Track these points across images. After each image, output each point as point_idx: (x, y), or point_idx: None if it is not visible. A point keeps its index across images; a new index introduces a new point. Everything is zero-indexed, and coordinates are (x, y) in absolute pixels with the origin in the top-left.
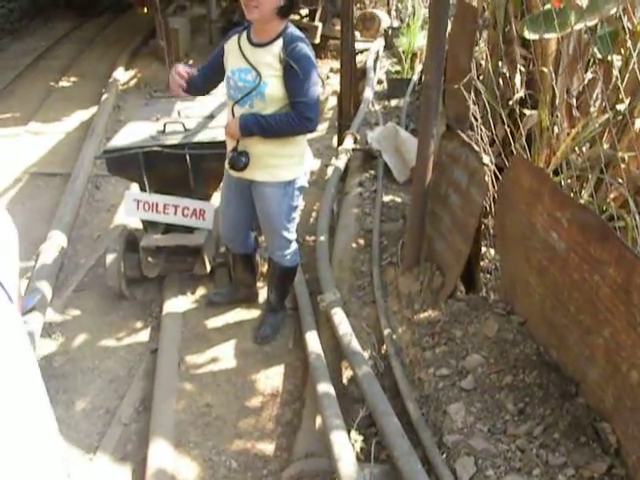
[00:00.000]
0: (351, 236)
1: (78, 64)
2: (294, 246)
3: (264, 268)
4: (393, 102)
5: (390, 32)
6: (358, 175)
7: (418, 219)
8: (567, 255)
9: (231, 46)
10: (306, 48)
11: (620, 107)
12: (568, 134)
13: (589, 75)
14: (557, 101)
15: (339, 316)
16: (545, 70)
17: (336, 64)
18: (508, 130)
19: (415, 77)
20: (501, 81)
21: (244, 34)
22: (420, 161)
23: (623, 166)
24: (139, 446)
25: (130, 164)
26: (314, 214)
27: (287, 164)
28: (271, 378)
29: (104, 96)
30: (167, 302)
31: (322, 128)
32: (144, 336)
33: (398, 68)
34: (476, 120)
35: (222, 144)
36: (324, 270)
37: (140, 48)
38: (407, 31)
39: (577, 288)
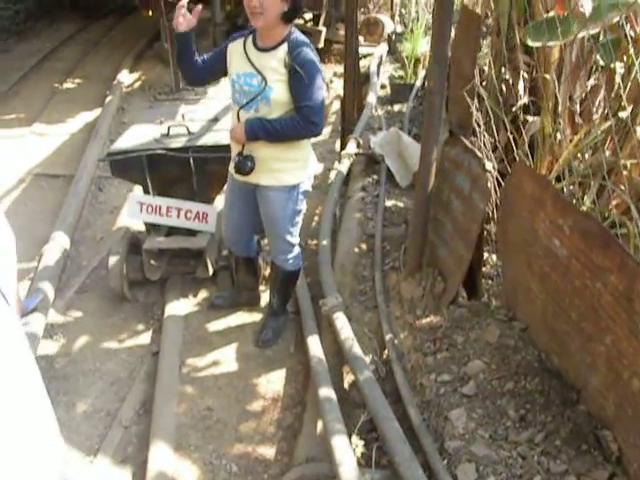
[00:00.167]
0: (353, 240)
1: (83, 66)
2: (297, 250)
3: (266, 272)
4: (396, 107)
5: (394, 37)
6: (361, 179)
7: (420, 225)
8: (569, 262)
9: (236, 49)
10: (311, 53)
11: (622, 114)
12: (571, 141)
13: (592, 82)
14: (560, 108)
15: (341, 321)
16: (548, 77)
17: (340, 68)
18: (511, 136)
19: (418, 82)
20: (504, 87)
21: (250, 38)
22: (423, 167)
23: (625, 173)
24: (140, 449)
25: (134, 167)
26: (316, 218)
27: (292, 168)
28: (272, 382)
29: (108, 98)
30: (169, 305)
31: (325, 132)
32: (145, 338)
33: (401, 73)
34: (479, 126)
35: (226, 147)
36: (326, 274)
37: (145, 51)
38: (410, 36)
39: (579, 295)
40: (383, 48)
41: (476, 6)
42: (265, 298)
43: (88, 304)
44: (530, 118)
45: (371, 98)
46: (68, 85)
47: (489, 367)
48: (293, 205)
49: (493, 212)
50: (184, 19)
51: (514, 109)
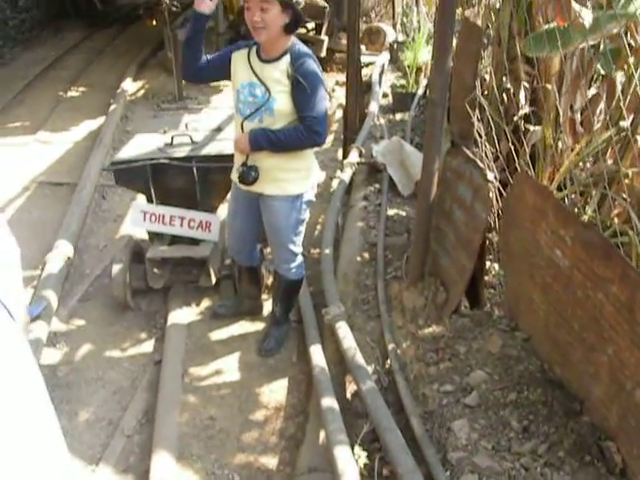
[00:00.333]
0: (356, 249)
1: (87, 74)
2: (300, 259)
3: (269, 281)
4: (398, 116)
5: (395, 46)
6: (363, 188)
7: (423, 234)
8: (571, 273)
9: (241, 60)
10: (313, 64)
11: (623, 123)
12: (572, 150)
13: (592, 91)
14: (561, 117)
15: (343, 330)
16: (549, 87)
17: (342, 77)
18: (512, 146)
19: (420, 91)
20: (505, 97)
21: (254, 49)
22: (425, 177)
23: (626, 182)
24: (142, 458)
25: (138, 176)
26: (319, 227)
27: (295, 178)
28: (275, 391)
29: (112, 106)
30: (172, 313)
31: (327, 140)
32: (148, 347)
33: (403, 82)
34: (480, 136)
35: (229, 157)
36: (329, 283)
37: (148, 59)
38: (412, 45)
39: (581, 306)
40: (385, 57)
41: (477, 17)
42: (268, 307)
43: (91, 312)
44: (531, 128)
45: (373, 107)
46: (72, 93)
47: (492, 377)
48: (296, 214)
49: (495, 221)
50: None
51: (515, 119)
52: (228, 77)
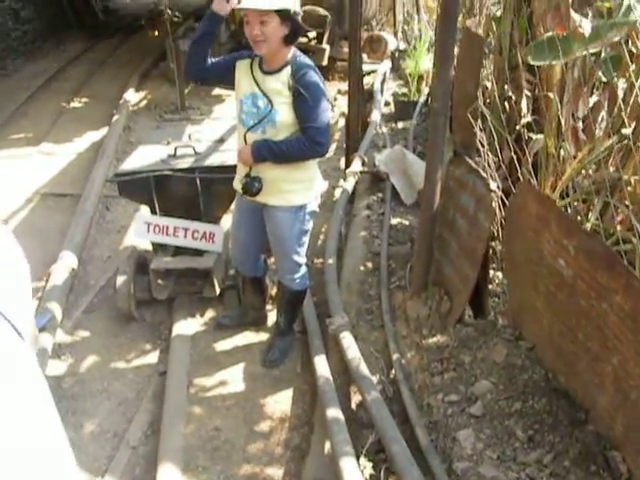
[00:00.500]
0: (359, 259)
1: (89, 85)
2: (304, 270)
3: (273, 291)
4: (400, 124)
5: (397, 54)
6: (366, 198)
7: (426, 244)
8: (574, 282)
9: (244, 70)
10: (315, 75)
11: (625, 131)
12: (574, 158)
13: (594, 99)
14: (563, 125)
15: (347, 340)
16: (550, 95)
17: (343, 86)
18: (514, 155)
19: (422, 99)
20: (507, 106)
21: (256, 60)
22: (428, 186)
23: (629, 189)
24: (147, 470)
25: (141, 187)
26: (322, 236)
27: (299, 189)
28: (280, 402)
29: (115, 117)
30: (176, 324)
31: (330, 149)
32: (153, 358)
33: (405, 90)
34: (482, 146)
35: (232, 168)
36: (332, 293)
37: (150, 70)
38: (413, 54)
39: (585, 315)
40: (386, 65)
41: (478, 27)
42: (272, 318)
43: (96, 324)
44: (533, 136)
45: (375, 116)
46: (75, 104)
47: (496, 387)
48: (300, 225)
49: (498, 230)
50: (226, 2)
51: (517, 127)
52: (230, 82)
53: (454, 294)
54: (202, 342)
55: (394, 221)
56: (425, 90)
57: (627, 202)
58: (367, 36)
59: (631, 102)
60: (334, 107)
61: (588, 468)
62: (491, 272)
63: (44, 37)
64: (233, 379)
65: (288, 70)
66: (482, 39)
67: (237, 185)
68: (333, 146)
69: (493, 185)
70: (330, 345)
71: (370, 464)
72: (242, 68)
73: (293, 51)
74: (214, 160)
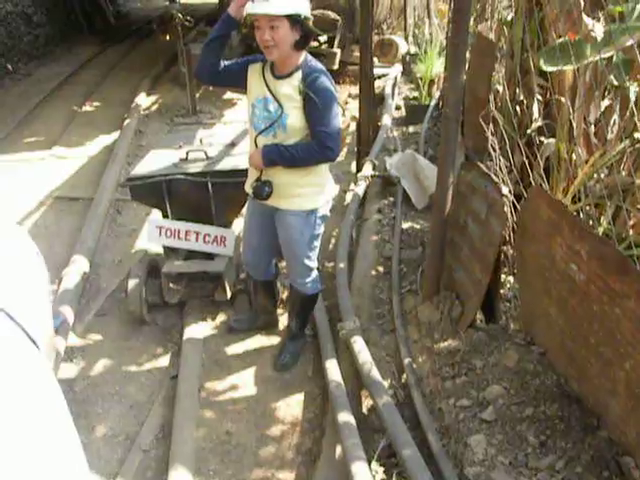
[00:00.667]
0: (370, 263)
1: (101, 89)
2: (315, 274)
3: (284, 295)
4: (411, 128)
5: (408, 58)
6: (377, 202)
7: (438, 248)
8: (587, 287)
9: (256, 75)
10: (326, 80)
11: (637, 135)
12: (586, 162)
13: (606, 102)
14: (574, 130)
15: (359, 344)
16: (562, 99)
17: (354, 89)
18: (526, 159)
19: (433, 103)
20: (519, 110)
21: (268, 64)
22: (440, 191)
23: None
24: (159, 473)
25: (153, 192)
26: (333, 240)
27: (310, 193)
28: (291, 406)
29: (126, 121)
30: (187, 328)
31: (341, 153)
32: (164, 362)
33: (416, 94)
34: (494, 150)
35: (244, 172)
36: (343, 297)
37: (162, 74)
38: (425, 57)
39: (597, 320)
40: (397, 69)
41: (489, 32)
42: (283, 321)
43: (107, 327)
44: (545, 140)
45: (386, 120)
46: (87, 108)
47: (508, 392)
48: (311, 229)
49: (510, 235)
50: (242, 6)
51: (529, 132)
52: (242, 86)
53: (466, 299)
54: (213, 346)
55: (405, 225)
56: (436, 94)
57: (639, 206)
58: (378, 40)
59: None
60: (345, 111)
61: (601, 474)
62: (502, 277)
63: (56, 41)
64: (244, 383)
65: (299, 75)
66: (494, 44)
67: (248, 189)
68: (344, 150)
69: (505, 190)
70: (341, 349)
71: (382, 469)
72: (254, 72)
73: (304, 56)
74: (226, 164)
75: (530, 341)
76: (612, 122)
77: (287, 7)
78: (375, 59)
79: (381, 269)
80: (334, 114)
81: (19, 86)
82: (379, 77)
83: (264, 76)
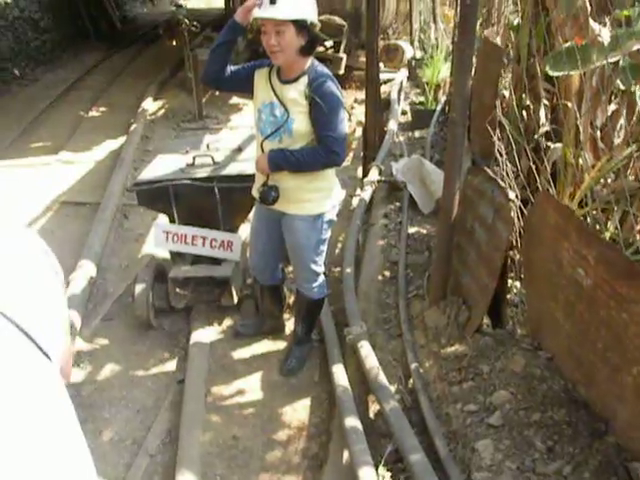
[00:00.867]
0: (377, 268)
1: (107, 95)
2: (322, 279)
3: (291, 299)
4: (417, 133)
5: (414, 63)
6: (383, 206)
7: (444, 253)
8: (594, 292)
9: (262, 79)
10: (332, 85)
11: None
12: (593, 167)
13: (612, 107)
14: (581, 134)
15: (365, 349)
16: (569, 104)
17: (360, 94)
18: (533, 164)
19: (439, 108)
20: (525, 115)
21: (275, 69)
22: (446, 196)
23: None
24: (165, 478)
25: (160, 197)
26: (339, 245)
27: (317, 198)
28: (297, 411)
29: (133, 126)
30: (194, 333)
31: (347, 159)
32: (171, 366)
33: (422, 99)
34: (501, 155)
35: (250, 177)
36: (350, 302)
37: (168, 79)
38: (430, 62)
39: (604, 325)
40: (403, 74)
41: (496, 36)
42: (289, 326)
43: (114, 332)
44: (552, 145)
45: (392, 124)
46: (93, 113)
47: (515, 397)
48: (318, 234)
49: (517, 240)
50: (249, 12)
51: (536, 137)
52: (249, 90)
53: (472, 303)
54: (220, 350)
55: (412, 230)
56: (442, 99)
57: None
58: (384, 45)
59: None
60: (351, 116)
61: (609, 479)
62: (509, 282)
63: (63, 47)
64: (251, 387)
65: (305, 79)
66: (501, 50)
67: (255, 193)
68: (350, 155)
69: (512, 194)
70: (348, 354)
71: (389, 474)
72: (261, 77)
73: (311, 61)
74: (232, 169)
75: (537, 346)
76: (619, 127)
77: (293, 12)
78: (381, 64)
79: (388, 274)
80: (340, 119)
81: (26, 91)
82: (385, 82)
83: (271, 81)
